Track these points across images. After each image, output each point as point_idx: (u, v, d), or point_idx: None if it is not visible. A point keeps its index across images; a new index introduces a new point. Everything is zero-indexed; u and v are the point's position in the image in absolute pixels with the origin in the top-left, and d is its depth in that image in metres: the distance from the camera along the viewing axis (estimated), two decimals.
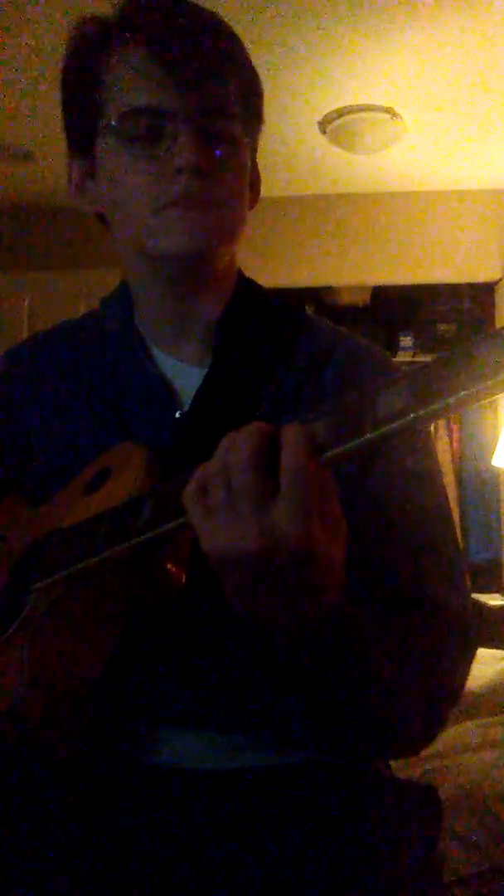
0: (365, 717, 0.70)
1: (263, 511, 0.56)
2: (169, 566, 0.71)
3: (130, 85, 0.80)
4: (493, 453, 3.70)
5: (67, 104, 0.88)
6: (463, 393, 0.50)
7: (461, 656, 0.79)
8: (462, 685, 0.79)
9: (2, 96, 3.03)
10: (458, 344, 0.52)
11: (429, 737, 0.77)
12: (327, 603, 0.61)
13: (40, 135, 3.20)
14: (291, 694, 0.68)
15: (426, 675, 0.74)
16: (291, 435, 0.57)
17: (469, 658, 0.80)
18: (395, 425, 0.53)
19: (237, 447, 0.58)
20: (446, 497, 0.87)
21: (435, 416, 0.52)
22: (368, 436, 0.54)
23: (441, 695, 0.76)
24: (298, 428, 0.57)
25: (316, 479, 0.56)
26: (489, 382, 0.49)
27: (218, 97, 0.81)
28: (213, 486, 0.58)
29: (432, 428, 3.45)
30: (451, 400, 0.51)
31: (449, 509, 0.88)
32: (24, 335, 2.92)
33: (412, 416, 0.52)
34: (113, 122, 0.81)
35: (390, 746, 0.79)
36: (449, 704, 0.77)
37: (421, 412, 0.52)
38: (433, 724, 0.77)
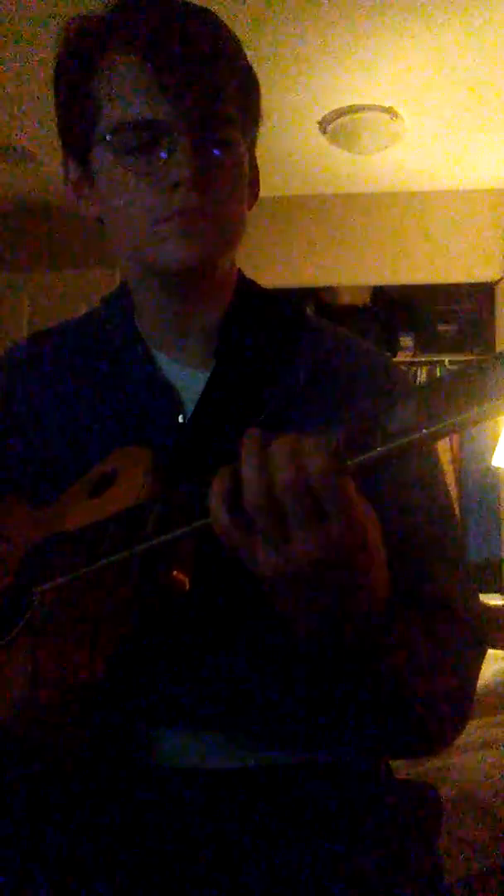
0: (402, 710, 0.71)
1: (315, 525, 0.57)
2: (174, 571, 0.71)
3: (124, 95, 0.77)
4: (493, 453, 3.70)
5: (61, 110, 0.85)
6: (476, 410, 0.51)
7: (475, 655, 0.79)
8: (476, 684, 0.80)
9: (2, 96, 3.03)
10: (460, 347, 0.53)
11: (454, 735, 0.78)
12: (378, 582, 0.63)
13: (40, 135, 3.20)
14: (324, 690, 0.69)
15: (450, 674, 0.75)
16: (316, 457, 0.57)
17: (481, 657, 0.81)
18: (405, 441, 0.54)
19: (270, 473, 0.58)
20: (450, 498, 0.87)
21: (446, 432, 0.53)
22: (379, 450, 0.55)
23: (463, 692, 0.77)
24: (319, 441, 0.57)
25: (343, 488, 0.57)
26: (501, 402, 0.50)
27: (215, 103, 0.78)
28: (259, 516, 0.58)
29: None
30: (464, 417, 0.52)
31: (453, 510, 0.88)
32: (24, 335, 2.92)
33: (424, 431, 0.53)
34: (107, 135, 0.79)
35: (420, 744, 0.80)
36: (470, 702, 0.78)
37: (433, 429, 0.53)
38: (461, 721, 0.78)
